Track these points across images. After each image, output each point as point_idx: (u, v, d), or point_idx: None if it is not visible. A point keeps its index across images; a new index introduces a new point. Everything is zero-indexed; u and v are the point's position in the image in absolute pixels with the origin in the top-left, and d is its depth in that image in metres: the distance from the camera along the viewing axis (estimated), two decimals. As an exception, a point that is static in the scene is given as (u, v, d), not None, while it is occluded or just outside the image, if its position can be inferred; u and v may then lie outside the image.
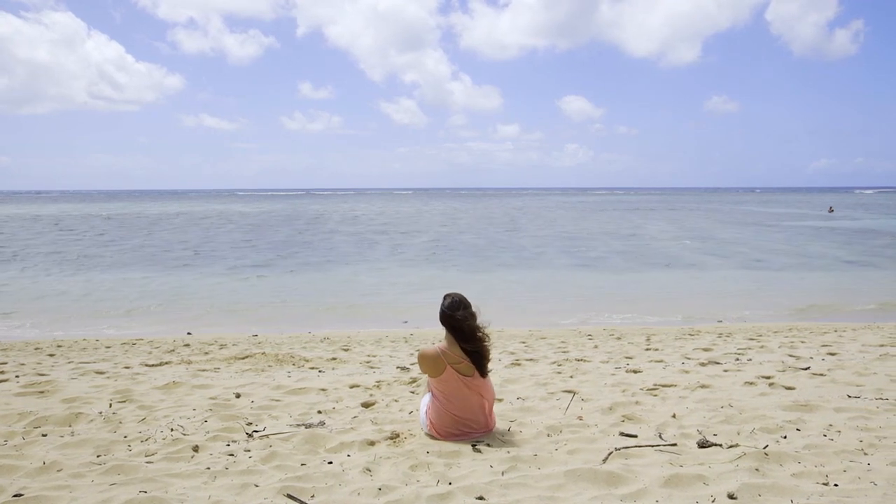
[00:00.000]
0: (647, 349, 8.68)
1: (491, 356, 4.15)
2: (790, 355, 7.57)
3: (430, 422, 4.10)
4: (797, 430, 4.11)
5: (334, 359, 8.13)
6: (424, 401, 4.26)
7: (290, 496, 2.97)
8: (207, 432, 4.23)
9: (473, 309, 4.08)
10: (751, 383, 5.77)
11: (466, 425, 4.03)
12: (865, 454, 3.51)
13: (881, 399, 4.95)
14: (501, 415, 4.67)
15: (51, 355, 8.68)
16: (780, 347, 8.38)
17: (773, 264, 21.63)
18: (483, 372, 4.04)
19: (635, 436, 4.03)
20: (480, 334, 4.01)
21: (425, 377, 4.40)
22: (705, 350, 8.34)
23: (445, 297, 4.14)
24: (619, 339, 10.01)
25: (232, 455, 3.74)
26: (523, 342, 9.76)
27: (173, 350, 9.26)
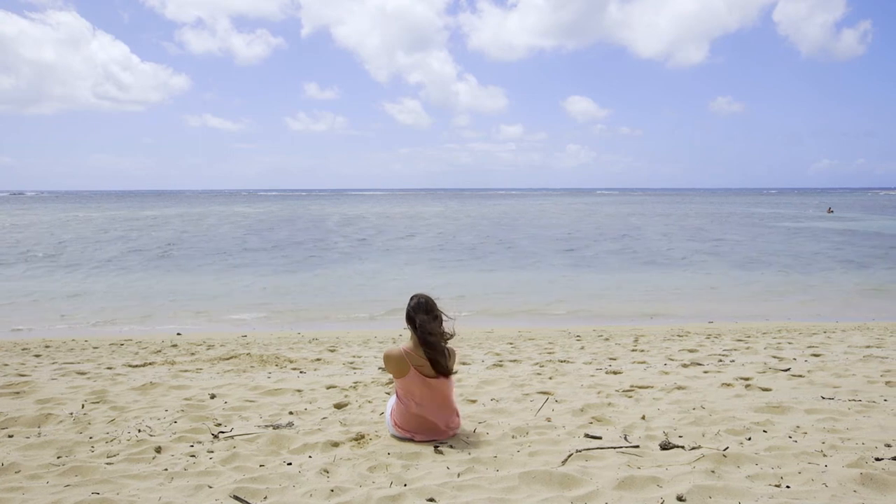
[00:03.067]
0: (634, 350, 8.66)
1: (455, 358, 4.14)
2: (774, 356, 7.54)
3: (395, 423, 4.09)
4: (764, 431, 4.10)
5: (318, 360, 8.12)
6: (390, 402, 4.26)
7: (236, 497, 2.97)
8: (174, 433, 4.23)
9: (439, 310, 4.07)
10: (728, 385, 5.75)
11: (430, 426, 4.01)
12: (825, 456, 3.49)
13: (854, 400, 4.93)
14: (472, 416, 4.67)
15: (37, 356, 8.69)
16: (765, 349, 8.35)
17: (767, 265, 21.61)
18: (444, 374, 4.03)
19: (600, 437, 4.02)
20: (439, 338, 4.00)
21: None
22: (691, 351, 8.32)
23: (411, 298, 4.14)
24: (606, 340, 9.98)
25: (193, 456, 3.73)
26: (510, 343, 9.74)
27: (160, 350, 9.26)
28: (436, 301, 4.08)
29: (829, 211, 60.08)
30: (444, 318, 4.05)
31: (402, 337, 10.77)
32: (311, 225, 45.74)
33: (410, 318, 4.03)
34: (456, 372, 4.13)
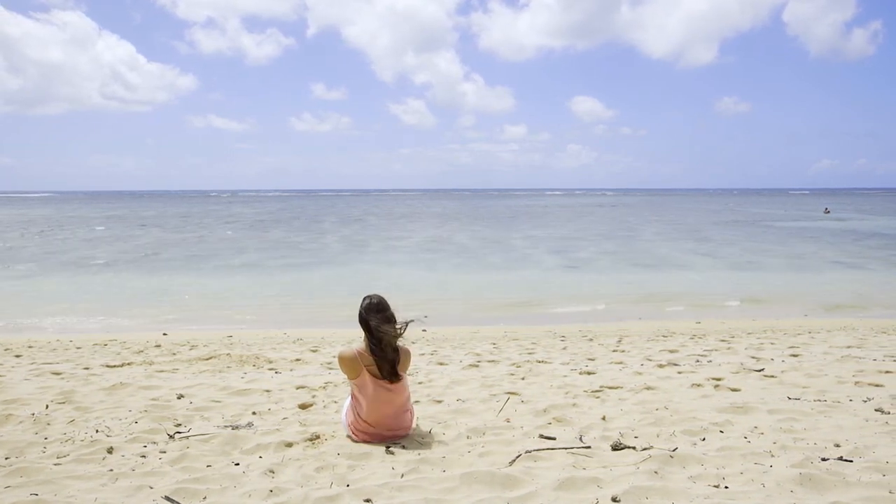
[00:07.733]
0: (615, 350, 8.63)
1: (409, 359, 4.12)
2: (753, 357, 7.51)
3: (349, 423, 4.08)
4: (720, 432, 4.08)
5: (298, 360, 8.10)
6: (346, 402, 4.25)
7: (168, 498, 2.96)
8: (131, 434, 4.21)
9: (392, 312, 4.06)
10: (698, 385, 5.72)
11: (382, 427, 4.00)
12: (773, 456, 3.47)
13: (819, 401, 4.91)
14: (433, 416, 4.65)
15: (17, 356, 8.69)
16: (746, 349, 8.32)
17: (763, 265, 21.60)
18: (395, 376, 4.01)
19: (554, 438, 4.00)
20: (392, 341, 3.98)
21: None
22: (671, 352, 8.29)
23: (364, 298, 4.13)
24: (590, 340, 9.96)
25: (144, 457, 3.72)
26: (493, 343, 9.71)
27: (142, 351, 9.26)
28: (389, 302, 4.08)
29: (826, 211, 60.03)
30: (397, 319, 4.04)
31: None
32: (308, 225, 45.81)
33: (363, 320, 4.03)
34: (411, 374, 4.11)
